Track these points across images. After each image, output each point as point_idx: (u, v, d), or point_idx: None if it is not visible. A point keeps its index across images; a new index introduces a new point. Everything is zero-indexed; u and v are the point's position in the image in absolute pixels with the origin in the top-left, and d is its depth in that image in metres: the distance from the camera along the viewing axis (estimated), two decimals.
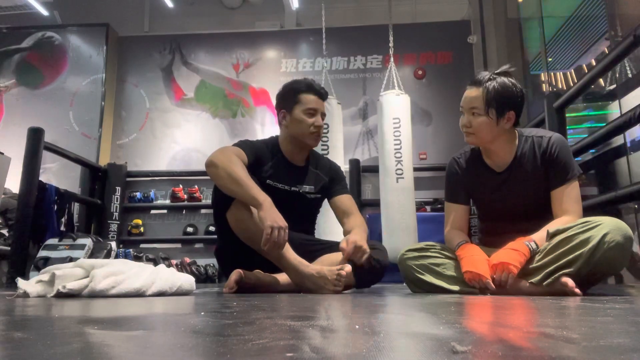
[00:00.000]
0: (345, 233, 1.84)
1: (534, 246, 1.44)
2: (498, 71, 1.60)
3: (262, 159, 1.88)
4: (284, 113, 1.96)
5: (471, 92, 1.60)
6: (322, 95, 1.96)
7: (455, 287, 1.55)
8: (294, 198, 1.92)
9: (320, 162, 2.07)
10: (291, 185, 1.92)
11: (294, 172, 1.96)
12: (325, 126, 3.83)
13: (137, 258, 3.45)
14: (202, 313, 0.87)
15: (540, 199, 1.61)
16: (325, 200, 2.07)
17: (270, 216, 1.54)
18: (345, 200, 1.98)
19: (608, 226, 1.32)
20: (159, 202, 5.18)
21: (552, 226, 1.47)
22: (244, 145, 1.84)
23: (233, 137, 5.27)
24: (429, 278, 1.60)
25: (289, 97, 1.95)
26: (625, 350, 0.45)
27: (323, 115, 1.96)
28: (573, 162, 1.58)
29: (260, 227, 1.56)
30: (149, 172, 5.21)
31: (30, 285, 1.33)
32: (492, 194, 1.69)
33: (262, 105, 5.41)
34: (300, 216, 1.94)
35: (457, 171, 1.76)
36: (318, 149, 3.72)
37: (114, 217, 4.79)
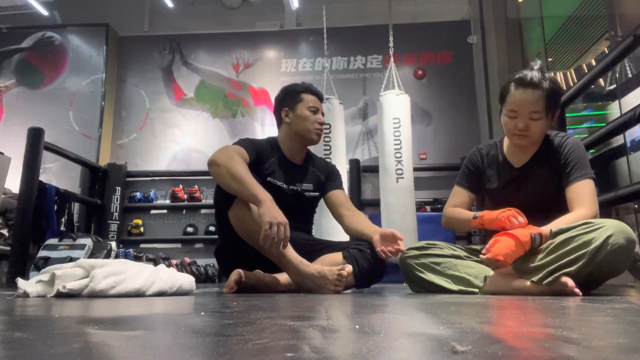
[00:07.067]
0: (352, 224, 1.88)
1: (538, 242, 1.42)
2: (537, 68, 1.58)
3: (262, 156, 1.91)
4: (286, 111, 2.01)
5: (531, 95, 1.54)
6: (320, 96, 2.06)
7: (456, 287, 1.55)
8: (293, 196, 1.94)
9: (317, 161, 2.13)
10: (290, 184, 1.95)
11: (294, 171, 1.99)
12: (327, 126, 3.85)
13: (137, 258, 3.46)
14: (202, 313, 0.87)
15: (547, 199, 1.63)
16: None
17: (270, 213, 1.54)
18: (342, 194, 2.04)
19: (612, 228, 1.31)
20: (159, 202, 5.18)
21: (561, 222, 1.46)
22: (245, 143, 1.87)
23: (233, 137, 5.27)
24: (429, 277, 1.60)
25: (290, 96, 2.02)
26: (625, 350, 0.45)
27: (322, 114, 2.04)
28: (588, 163, 1.60)
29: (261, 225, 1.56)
30: (149, 172, 5.21)
31: (30, 285, 1.33)
32: (504, 187, 1.71)
33: (262, 105, 5.41)
34: (299, 214, 1.94)
35: (477, 160, 1.79)
36: (320, 148, 3.76)
37: (114, 217, 4.79)
